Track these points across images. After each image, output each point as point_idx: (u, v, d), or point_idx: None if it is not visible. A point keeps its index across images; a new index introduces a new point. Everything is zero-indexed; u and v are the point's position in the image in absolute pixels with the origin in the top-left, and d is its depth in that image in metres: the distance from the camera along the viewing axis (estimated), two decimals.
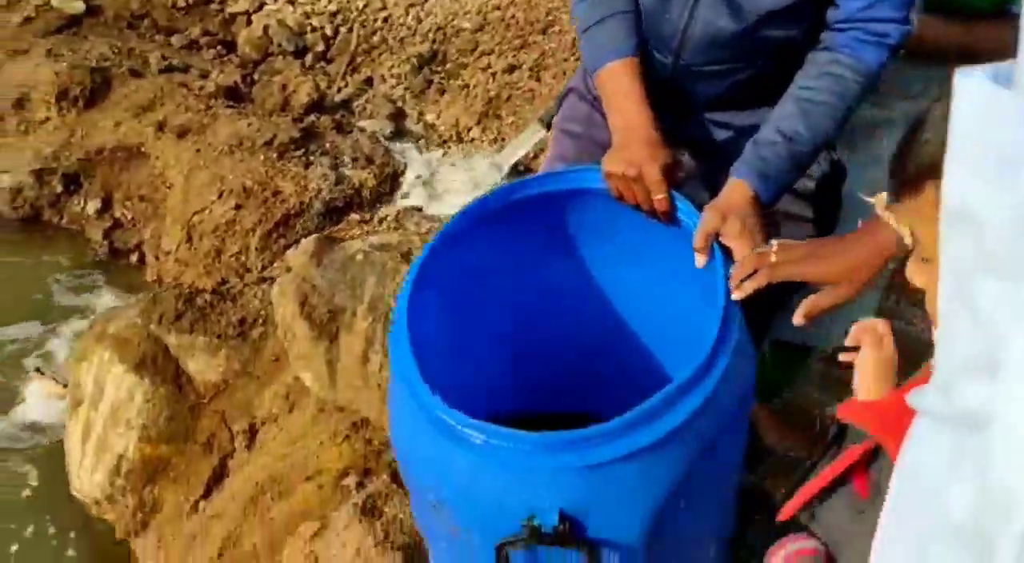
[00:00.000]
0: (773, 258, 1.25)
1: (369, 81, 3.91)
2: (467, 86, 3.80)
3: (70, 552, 2.61)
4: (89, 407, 2.65)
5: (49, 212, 4.04)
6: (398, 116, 3.75)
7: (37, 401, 3.17)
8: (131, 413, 2.54)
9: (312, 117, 3.67)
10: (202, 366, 2.55)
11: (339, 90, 3.87)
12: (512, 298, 1.61)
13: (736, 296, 1.25)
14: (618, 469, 1.13)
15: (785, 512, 1.07)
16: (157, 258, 3.65)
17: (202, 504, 2.49)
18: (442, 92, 3.82)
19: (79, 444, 2.67)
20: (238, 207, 3.35)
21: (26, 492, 2.82)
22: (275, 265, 3.18)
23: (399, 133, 3.69)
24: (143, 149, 3.89)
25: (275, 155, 3.45)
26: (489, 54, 3.87)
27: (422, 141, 3.69)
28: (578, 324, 1.66)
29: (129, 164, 3.90)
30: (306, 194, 3.36)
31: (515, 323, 1.65)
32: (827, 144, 1.50)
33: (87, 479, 2.63)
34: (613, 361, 1.68)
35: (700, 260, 1.33)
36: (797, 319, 1.25)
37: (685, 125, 1.62)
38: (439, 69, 3.91)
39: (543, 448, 1.13)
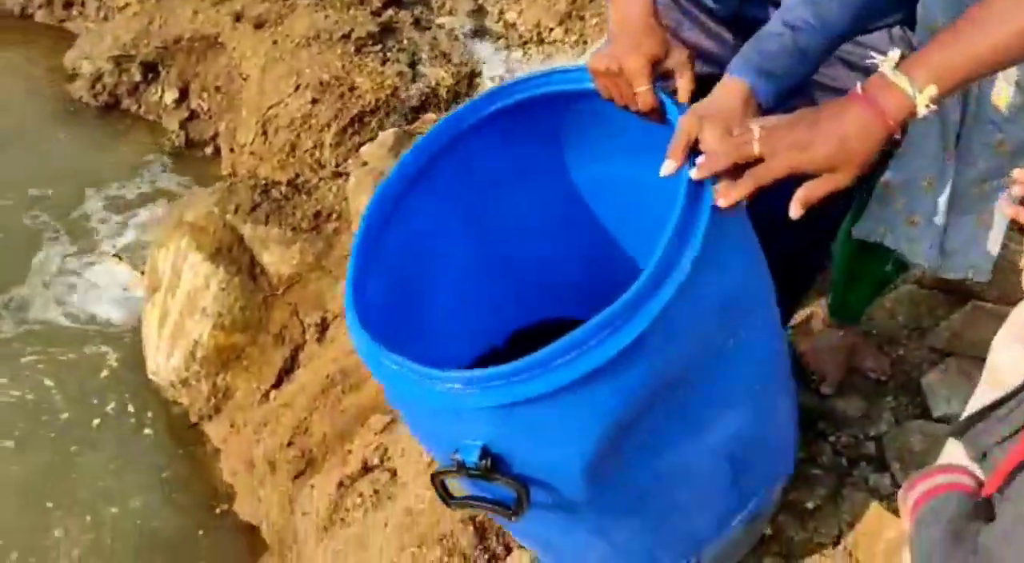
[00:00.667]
0: (756, 149, 1.01)
1: None
2: None
3: (147, 431, 2.70)
4: (166, 293, 2.69)
5: (128, 101, 4.05)
6: (478, 14, 3.62)
7: (114, 285, 3.25)
8: (206, 301, 2.57)
9: (390, 12, 3.57)
10: (276, 258, 2.56)
11: None
12: (507, 211, 1.52)
13: (723, 203, 1.04)
14: (536, 408, 1.06)
15: (988, 489, 0.95)
16: (232, 151, 3.65)
17: (273, 393, 2.53)
18: None
19: (155, 329, 2.73)
20: (314, 101, 3.31)
21: (104, 372, 2.90)
22: (349, 161, 3.14)
23: (478, 32, 3.57)
24: (220, 39, 3.85)
25: (352, 49, 3.38)
26: None
27: (501, 41, 3.57)
28: (579, 233, 1.56)
29: (206, 54, 3.87)
30: (382, 91, 3.30)
31: (509, 239, 1.55)
32: (842, 35, 1.32)
33: (163, 363, 2.70)
34: (614, 267, 1.58)
35: (667, 166, 1.09)
36: (793, 211, 1.02)
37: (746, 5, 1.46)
38: None
39: (464, 385, 1.08)
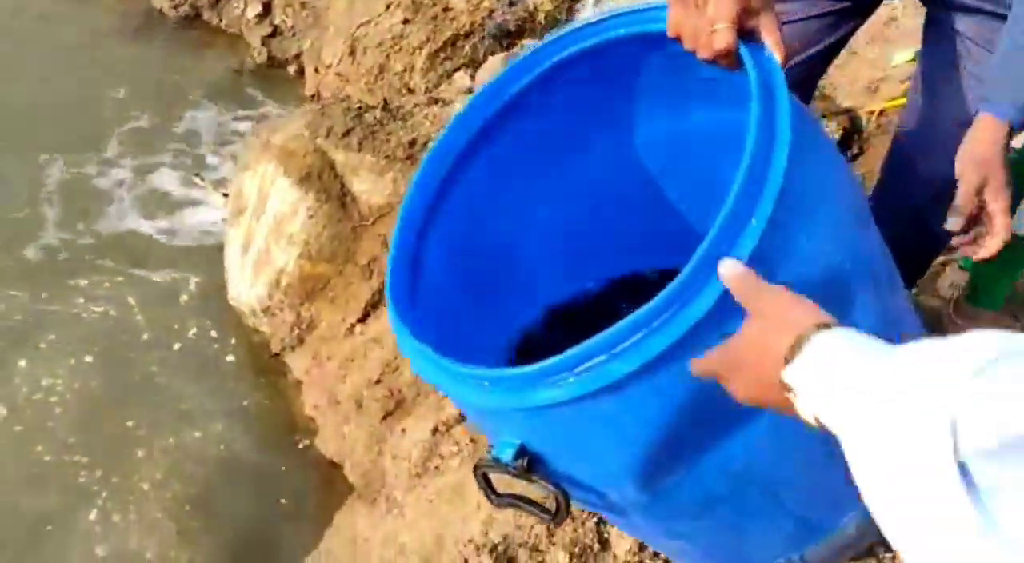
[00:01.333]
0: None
1: None
2: None
3: (229, 358, 2.64)
4: (251, 218, 2.59)
5: (209, 13, 3.93)
6: None
7: (196, 206, 3.17)
8: (294, 227, 2.46)
9: None
10: (368, 186, 2.43)
11: None
12: (577, 168, 1.37)
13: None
14: (567, 411, 0.94)
15: None
16: (316, 71, 3.52)
17: (359, 327, 2.44)
18: None
19: (239, 254, 2.64)
20: (406, 22, 3.14)
21: (184, 296, 2.85)
22: (441, 87, 2.99)
23: None
24: None
25: None
26: None
27: None
28: (652, 182, 1.41)
29: None
30: (478, 13, 3.11)
31: (581, 193, 1.42)
32: None
33: (245, 290, 2.62)
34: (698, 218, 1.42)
35: (953, 223, 1.14)
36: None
37: None
38: None
39: (492, 383, 0.98)
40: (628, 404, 0.94)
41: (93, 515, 2.26)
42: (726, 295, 0.85)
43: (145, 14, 3.99)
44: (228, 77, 3.72)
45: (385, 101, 2.63)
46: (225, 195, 3.00)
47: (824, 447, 0.97)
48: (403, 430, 1.98)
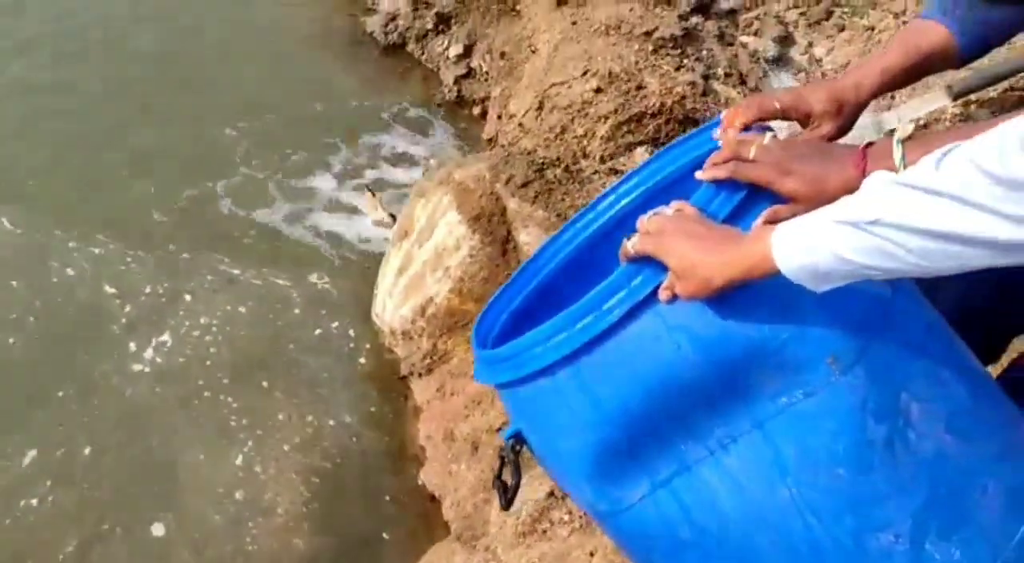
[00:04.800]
0: (752, 152, 1.08)
1: None
2: (871, 29, 3.38)
3: (362, 360, 2.76)
4: (414, 242, 2.69)
5: (413, 45, 4.15)
6: (785, 41, 3.42)
7: (362, 217, 3.33)
8: (453, 261, 2.55)
9: (697, 19, 3.43)
10: (532, 239, 2.49)
11: None
12: None
13: (698, 175, 1.10)
14: (522, 392, 1.13)
15: None
16: (499, 117, 3.64)
17: None
18: (841, 28, 3.43)
19: (394, 273, 2.75)
20: (598, 90, 3.22)
21: (335, 293, 2.99)
22: (619, 159, 3.04)
23: (781, 60, 3.37)
24: (518, 8, 3.85)
25: (650, 48, 3.26)
26: None
27: (802, 74, 3.35)
28: None
29: (500, 19, 3.89)
30: (670, 96, 3.16)
31: None
32: None
33: (392, 309, 2.71)
34: None
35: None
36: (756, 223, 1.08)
37: None
38: (844, 2, 3.51)
39: (481, 364, 1.18)
40: (559, 392, 1.10)
41: (239, 460, 2.42)
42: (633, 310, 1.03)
43: (355, 34, 4.24)
44: (417, 107, 3.90)
45: (567, 164, 2.71)
46: (392, 216, 3.13)
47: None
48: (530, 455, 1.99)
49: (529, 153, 2.72)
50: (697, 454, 1.06)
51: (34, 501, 2.27)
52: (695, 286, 0.98)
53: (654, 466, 1.09)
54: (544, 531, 1.82)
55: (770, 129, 1.18)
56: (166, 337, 2.72)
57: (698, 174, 1.10)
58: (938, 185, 0.78)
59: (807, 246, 0.88)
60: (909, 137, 0.99)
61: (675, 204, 1.07)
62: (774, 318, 1.01)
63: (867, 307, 1.04)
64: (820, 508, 1.03)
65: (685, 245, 0.98)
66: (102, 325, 2.76)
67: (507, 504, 1.26)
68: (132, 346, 2.70)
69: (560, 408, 1.10)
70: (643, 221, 1.06)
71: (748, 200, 1.07)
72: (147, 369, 2.63)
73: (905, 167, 0.96)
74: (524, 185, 2.52)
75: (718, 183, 1.08)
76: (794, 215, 0.97)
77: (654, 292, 1.02)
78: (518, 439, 1.20)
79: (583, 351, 1.06)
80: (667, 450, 1.08)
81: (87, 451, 2.41)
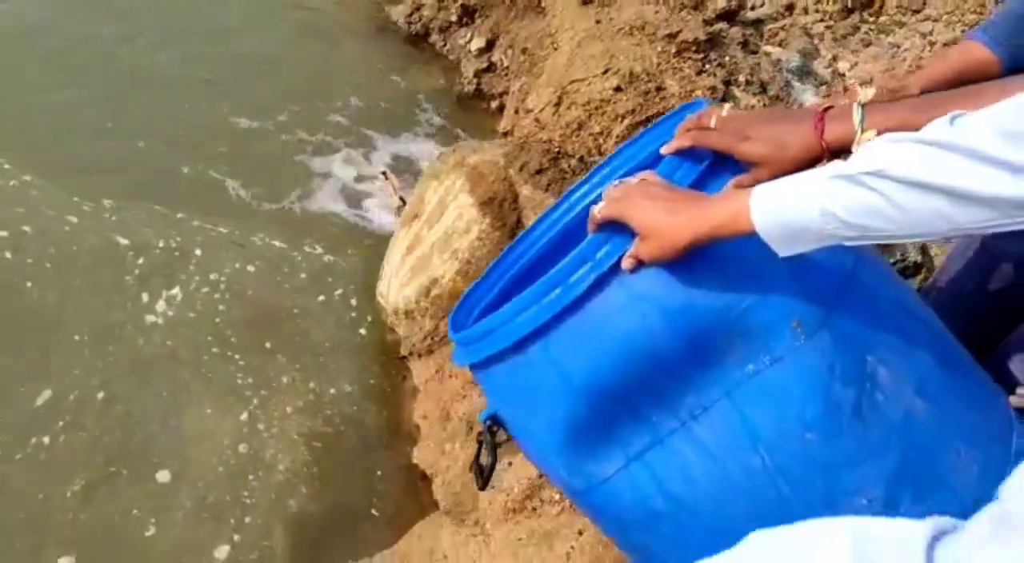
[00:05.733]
0: (712, 122, 1.09)
1: (791, 7, 3.60)
2: (897, 47, 3.38)
3: (362, 332, 2.77)
4: (424, 224, 2.69)
5: (436, 36, 4.16)
6: (809, 54, 3.42)
7: (372, 198, 3.33)
8: (461, 244, 2.54)
9: (722, 25, 3.43)
10: None
11: (756, 7, 3.60)
12: None
13: (663, 149, 1.11)
14: (498, 370, 1.14)
15: None
16: (516, 112, 3.65)
17: None
18: (867, 44, 3.43)
19: (401, 253, 2.74)
20: (618, 89, 3.22)
21: (343, 265, 3.00)
22: None
23: (804, 71, 3.37)
24: (543, 5, 3.86)
25: (673, 50, 3.27)
26: (936, 20, 3.41)
27: (824, 87, 3.35)
28: None
29: (525, 14, 3.90)
30: (688, 99, 3.17)
31: None
32: None
33: (396, 289, 2.70)
34: None
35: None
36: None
37: None
38: (871, 18, 3.52)
39: (459, 346, 1.19)
40: (530, 367, 1.10)
41: (244, 416, 2.44)
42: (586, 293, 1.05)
43: (378, 22, 4.26)
44: (434, 98, 3.91)
45: (583, 155, 2.71)
46: (403, 200, 3.13)
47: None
48: (510, 463, 1.98)
49: (546, 143, 2.71)
50: (669, 425, 1.06)
51: (46, 439, 2.31)
52: (659, 246, 0.98)
53: (627, 439, 1.09)
54: (534, 508, 1.81)
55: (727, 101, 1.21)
56: (176, 291, 2.75)
57: (663, 148, 1.11)
58: (952, 139, 0.78)
59: (792, 201, 0.88)
60: (870, 101, 1.00)
61: (640, 174, 1.08)
62: (736, 285, 1.01)
63: (830, 275, 1.04)
64: (791, 474, 1.02)
65: (649, 205, 0.99)
66: (116, 275, 2.78)
67: (483, 485, 1.28)
68: (145, 297, 2.73)
69: (532, 384, 1.11)
70: (609, 188, 1.07)
71: (710, 170, 1.09)
72: (160, 321, 2.65)
73: (863, 130, 0.97)
74: (538, 172, 2.52)
75: (682, 153, 1.09)
76: (756, 183, 0.97)
77: (619, 263, 1.03)
78: (495, 421, 1.21)
79: (551, 324, 1.06)
80: (639, 422, 1.08)
81: (100, 396, 2.44)
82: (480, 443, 1.27)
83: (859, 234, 0.86)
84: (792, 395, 1.01)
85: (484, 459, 1.26)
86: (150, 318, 2.66)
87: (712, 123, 1.08)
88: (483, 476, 1.26)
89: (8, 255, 2.77)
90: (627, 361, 1.04)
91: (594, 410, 1.08)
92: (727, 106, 1.13)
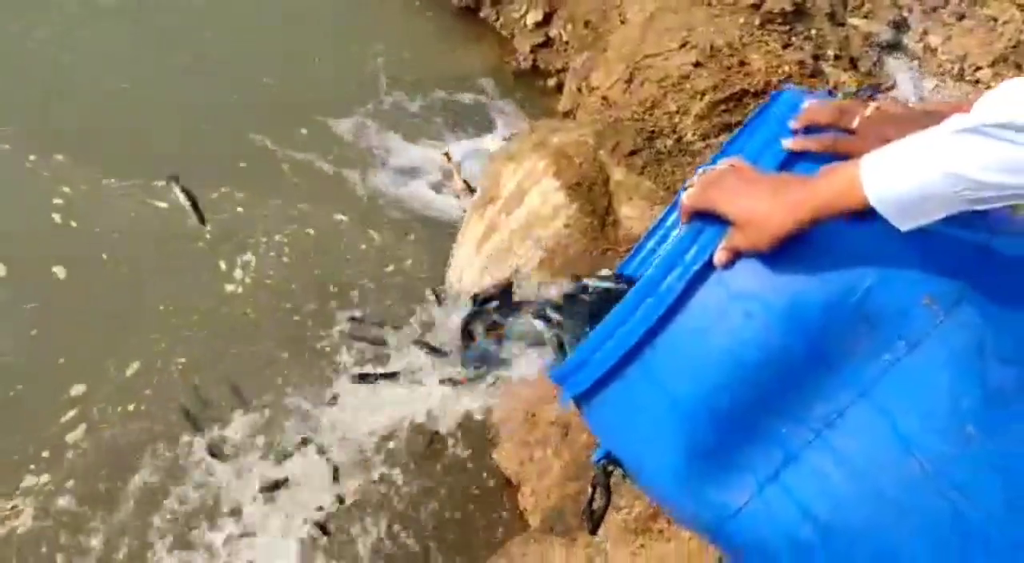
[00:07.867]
0: (855, 123, 0.95)
1: None
2: (995, 20, 3.16)
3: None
4: (501, 209, 2.49)
5: (488, 9, 3.94)
6: (899, 26, 3.20)
7: (426, 177, 3.16)
8: (545, 232, 2.35)
9: None
10: (636, 214, 2.29)
11: None
12: None
13: (786, 144, 0.96)
14: (600, 402, 1.01)
15: None
16: (579, 90, 3.43)
17: None
18: (960, 17, 3.20)
19: (475, 240, 2.55)
20: (697, 65, 3.01)
21: (412, 236, 2.88)
22: (719, 137, 2.83)
23: (894, 46, 3.16)
24: None
25: (757, 22, 3.04)
26: None
27: (916, 62, 3.14)
28: None
29: None
30: (775, 75, 2.95)
31: None
32: None
33: (471, 276, 2.51)
34: None
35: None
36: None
37: None
38: None
39: (558, 384, 1.06)
40: (633, 394, 0.97)
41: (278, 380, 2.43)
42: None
43: None
44: (488, 76, 3.71)
45: (681, 136, 2.50)
46: (467, 183, 2.94)
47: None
48: (624, 476, 1.79)
49: (640, 121, 2.51)
50: (801, 438, 0.91)
51: (131, 407, 2.40)
52: (758, 233, 0.87)
53: (754, 460, 0.93)
54: (661, 531, 1.62)
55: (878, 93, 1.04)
56: (249, 256, 2.76)
57: (786, 143, 0.96)
58: None
59: (910, 165, 0.78)
60: None
61: (727, 159, 0.96)
62: (851, 266, 0.88)
63: (961, 244, 0.89)
64: (958, 480, 0.86)
65: (745, 190, 0.90)
66: (188, 248, 2.77)
67: (593, 529, 1.23)
68: (222, 265, 2.72)
69: (638, 412, 0.98)
70: (698, 176, 0.97)
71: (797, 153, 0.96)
72: (239, 290, 2.67)
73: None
74: (632, 154, 2.32)
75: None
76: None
77: (711, 261, 0.90)
78: (609, 460, 1.11)
79: (645, 341, 0.94)
80: (765, 439, 0.92)
81: (182, 362, 2.49)
82: (594, 488, 1.18)
83: (994, 194, 0.75)
84: (940, 384, 0.86)
85: (597, 503, 1.18)
86: (230, 287, 2.67)
87: (855, 124, 0.94)
88: (592, 519, 1.19)
89: (80, 239, 2.77)
90: (738, 370, 0.90)
91: (711, 431, 0.94)
92: (872, 106, 0.97)
